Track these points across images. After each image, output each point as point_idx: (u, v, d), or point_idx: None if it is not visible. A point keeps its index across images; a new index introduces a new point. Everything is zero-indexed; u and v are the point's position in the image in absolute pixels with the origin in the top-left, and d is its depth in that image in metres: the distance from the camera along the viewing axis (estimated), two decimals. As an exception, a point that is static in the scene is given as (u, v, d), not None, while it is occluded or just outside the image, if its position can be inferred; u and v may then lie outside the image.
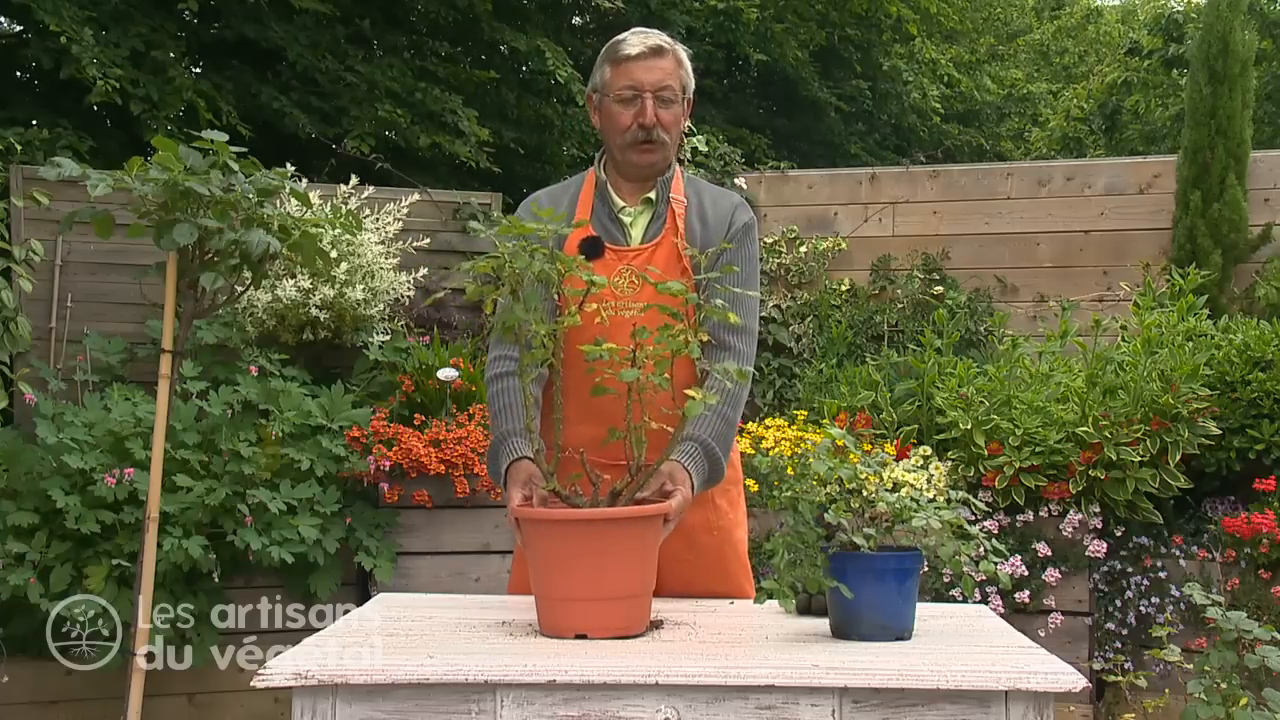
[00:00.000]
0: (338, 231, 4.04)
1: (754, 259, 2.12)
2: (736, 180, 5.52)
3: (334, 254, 4.13)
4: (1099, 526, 3.90)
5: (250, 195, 2.86)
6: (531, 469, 1.82)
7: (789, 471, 3.94)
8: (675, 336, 1.64)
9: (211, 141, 2.80)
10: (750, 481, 4.10)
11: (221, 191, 2.80)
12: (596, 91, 2.10)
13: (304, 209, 3.28)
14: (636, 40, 2.05)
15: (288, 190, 3.02)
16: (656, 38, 2.05)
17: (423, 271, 4.54)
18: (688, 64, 2.08)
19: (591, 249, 1.97)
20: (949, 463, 4.02)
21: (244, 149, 2.89)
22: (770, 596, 1.60)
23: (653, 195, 2.08)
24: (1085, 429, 3.89)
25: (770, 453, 4.16)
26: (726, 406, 1.95)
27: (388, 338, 4.41)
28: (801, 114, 10.38)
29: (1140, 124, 11.61)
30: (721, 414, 1.94)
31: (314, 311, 4.20)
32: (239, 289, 3.26)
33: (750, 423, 4.47)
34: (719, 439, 1.93)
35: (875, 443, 4.11)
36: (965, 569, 1.60)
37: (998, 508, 3.94)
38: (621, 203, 2.08)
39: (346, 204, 4.42)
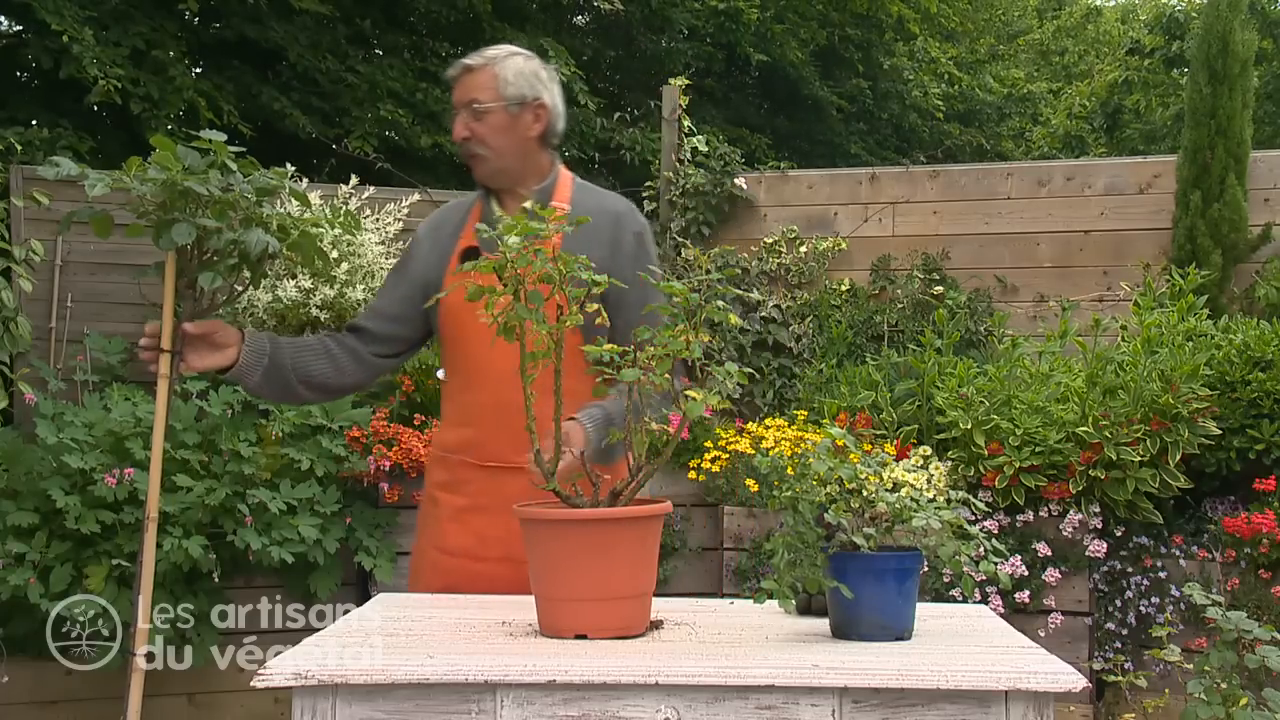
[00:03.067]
0: (338, 232, 4.03)
1: (655, 268, 2.05)
2: (736, 180, 5.51)
3: (334, 254, 4.13)
4: (1099, 526, 3.89)
5: (249, 195, 2.85)
6: (219, 326, 2.10)
7: (789, 471, 3.93)
8: (677, 338, 1.64)
9: (210, 141, 2.79)
10: (750, 481, 4.10)
11: (220, 191, 2.79)
12: None
13: (304, 209, 3.27)
14: (458, 62, 2.12)
15: (288, 190, 3.02)
16: (476, 56, 2.10)
17: (423, 271, 4.53)
18: (511, 73, 2.09)
19: (472, 259, 1.98)
20: (949, 463, 4.01)
21: (243, 149, 2.89)
22: (770, 596, 1.60)
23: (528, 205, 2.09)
24: (1085, 429, 3.89)
25: (770, 453, 4.15)
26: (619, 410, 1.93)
27: (388, 338, 4.40)
28: (802, 114, 10.38)
29: (1141, 123, 11.62)
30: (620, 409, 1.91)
31: (314, 312, 4.19)
32: (238, 289, 3.26)
33: (750, 423, 4.47)
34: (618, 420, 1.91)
35: (875, 443, 4.11)
36: (965, 569, 1.60)
37: (998, 508, 3.94)
38: (500, 212, 2.12)
39: (347, 204, 4.42)
